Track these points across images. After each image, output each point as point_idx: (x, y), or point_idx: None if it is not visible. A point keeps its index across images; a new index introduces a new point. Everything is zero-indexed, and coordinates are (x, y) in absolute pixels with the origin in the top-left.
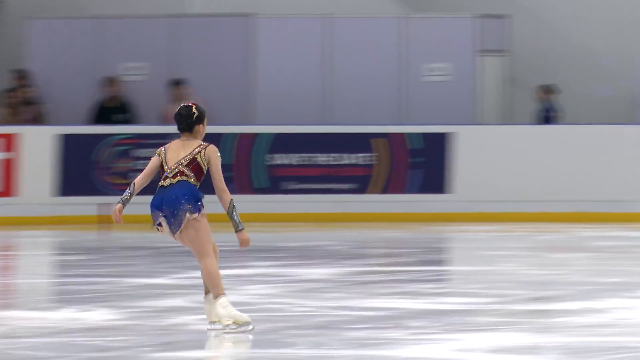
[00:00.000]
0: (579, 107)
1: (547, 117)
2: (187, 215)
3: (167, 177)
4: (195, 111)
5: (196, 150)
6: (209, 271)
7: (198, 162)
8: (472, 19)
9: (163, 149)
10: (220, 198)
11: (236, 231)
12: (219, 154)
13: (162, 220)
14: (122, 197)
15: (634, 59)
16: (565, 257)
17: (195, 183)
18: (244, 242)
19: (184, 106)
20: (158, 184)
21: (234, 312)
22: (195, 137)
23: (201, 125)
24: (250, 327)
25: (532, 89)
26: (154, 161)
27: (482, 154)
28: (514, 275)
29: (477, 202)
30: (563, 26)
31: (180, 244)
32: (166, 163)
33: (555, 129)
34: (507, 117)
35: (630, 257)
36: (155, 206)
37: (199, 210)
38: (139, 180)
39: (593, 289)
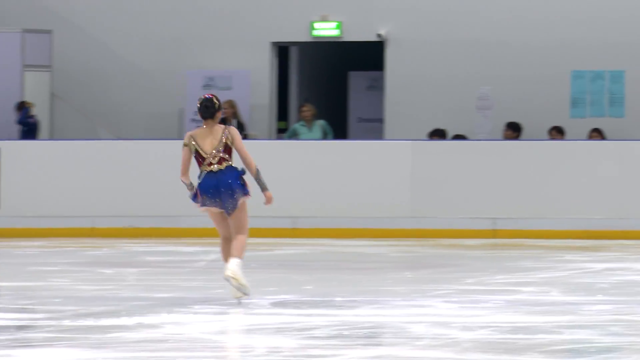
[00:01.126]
0: (127, 122)
1: (26, 130)
2: (242, 198)
3: (211, 163)
4: (217, 101)
5: (224, 135)
6: (243, 243)
7: (229, 145)
8: (16, 34)
9: (191, 139)
10: (249, 165)
11: (263, 190)
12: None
13: (213, 202)
14: (191, 196)
15: (180, 75)
16: (115, 273)
17: (233, 164)
18: (269, 200)
19: (207, 98)
20: (201, 169)
21: (242, 275)
22: (215, 123)
23: (220, 112)
24: (245, 295)
25: (74, 104)
26: (187, 152)
27: (28, 169)
28: (65, 290)
29: (25, 218)
30: (109, 42)
31: (213, 220)
32: (202, 149)
33: (105, 145)
34: (52, 133)
35: (181, 272)
36: (209, 189)
37: (248, 193)
38: (186, 175)
39: (145, 304)
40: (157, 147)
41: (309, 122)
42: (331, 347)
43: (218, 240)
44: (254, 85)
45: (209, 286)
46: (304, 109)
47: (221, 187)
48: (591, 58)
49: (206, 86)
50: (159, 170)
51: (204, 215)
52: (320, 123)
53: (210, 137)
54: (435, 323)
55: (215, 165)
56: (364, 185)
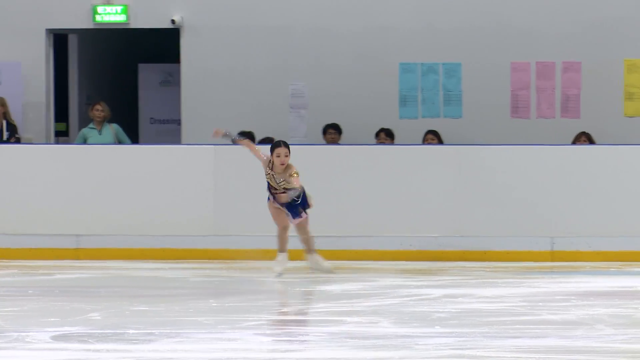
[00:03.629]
0: None
1: None
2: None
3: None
4: None
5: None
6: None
7: None
8: None
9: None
10: None
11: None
12: None
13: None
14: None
15: None
16: None
17: None
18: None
19: None
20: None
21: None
22: None
23: None
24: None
25: None
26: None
27: None
28: None
29: None
30: None
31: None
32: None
33: None
34: None
35: None
36: None
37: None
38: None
39: None
40: None
41: (99, 124)
42: None
43: None
44: (27, 79)
45: None
46: (98, 107)
47: None
48: (422, 48)
49: None
50: None
51: None
52: (113, 127)
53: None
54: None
55: None
56: (159, 198)
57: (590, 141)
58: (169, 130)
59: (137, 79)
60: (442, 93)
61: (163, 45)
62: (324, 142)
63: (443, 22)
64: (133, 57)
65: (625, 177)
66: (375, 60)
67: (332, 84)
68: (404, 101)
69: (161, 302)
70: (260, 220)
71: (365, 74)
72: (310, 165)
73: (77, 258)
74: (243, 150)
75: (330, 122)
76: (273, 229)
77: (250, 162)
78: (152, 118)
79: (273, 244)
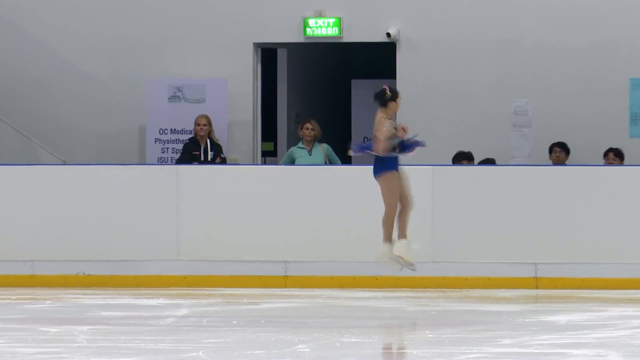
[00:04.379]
0: (75, 142)
1: None
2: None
3: None
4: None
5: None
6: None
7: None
8: None
9: None
10: None
11: None
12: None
13: None
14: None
15: (141, 84)
16: (62, 331)
17: None
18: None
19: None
20: None
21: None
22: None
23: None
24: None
25: (8, 120)
26: None
27: None
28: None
29: None
30: (52, 44)
31: None
32: None
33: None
34: None
35: (144, 331)
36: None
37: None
38: None
39: None
40: (112, 173)
41: (309, 144)
42: None
43: (189, 292)
44: (233, 96)
45: (180, 349)
46: (308, 126)
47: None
48: None
49: (173, 98)
50: (116, 203)
51: (172, 260)
52: (323, 147)
53: None
54: None
55: None
56: (372, 222)
57: None
58: None
59: (349, 96)
60: None
61: (377, 60)
62: (549, 162)
63: None
64: (345, 72)
65: None
66: (604, 76)
67: (557, 101)
68: (634, 119)
69: (374, 334)
70: (481, 247)
71: (592, 90)
72: (535, 186)
73: (285, 286)
74: (464, 170)
75: (554, 141)
76: (495, 253)
77: (470, 183)
78: (366, 137)
79: (495, 271)
